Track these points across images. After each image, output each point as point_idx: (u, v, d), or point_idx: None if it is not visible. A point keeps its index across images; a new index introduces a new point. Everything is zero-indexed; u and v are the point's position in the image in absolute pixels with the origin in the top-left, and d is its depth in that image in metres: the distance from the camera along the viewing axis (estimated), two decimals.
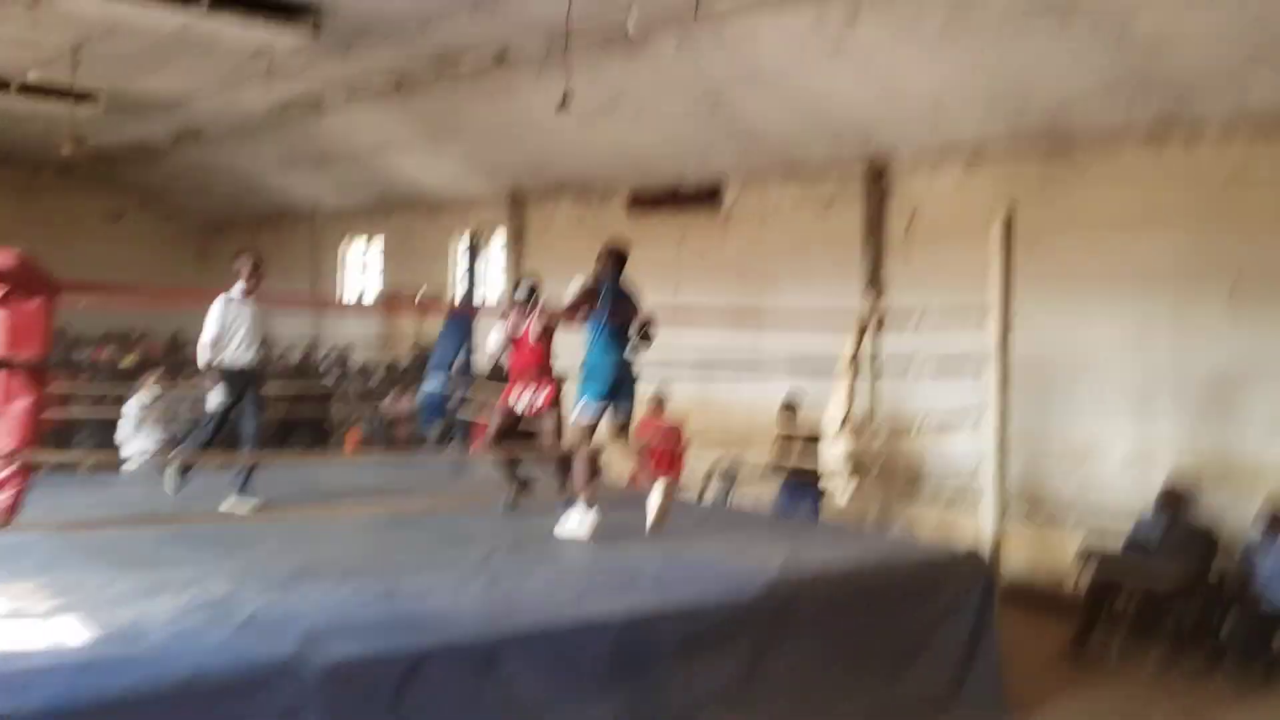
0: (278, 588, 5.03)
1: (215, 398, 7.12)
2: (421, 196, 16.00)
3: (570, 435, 6.57)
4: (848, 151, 10.45)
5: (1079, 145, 8.93)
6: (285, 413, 11.25)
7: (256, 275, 7.15)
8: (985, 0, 7.57)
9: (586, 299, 6.39)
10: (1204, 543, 7.85)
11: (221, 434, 7.17)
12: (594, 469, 6.48)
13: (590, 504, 6.30)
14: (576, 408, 6.47)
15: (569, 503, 6.55)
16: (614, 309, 6.43)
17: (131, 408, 9.80)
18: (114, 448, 9.62)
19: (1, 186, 19.83)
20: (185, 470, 7.07)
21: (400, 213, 16.84)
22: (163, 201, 21.30)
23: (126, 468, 9.14)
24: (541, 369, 7.03)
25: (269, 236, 19.84)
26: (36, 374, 4.14)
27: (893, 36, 8.42)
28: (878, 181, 10.52)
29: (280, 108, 13.60)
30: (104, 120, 13.98)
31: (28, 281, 4.06)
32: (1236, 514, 7.95)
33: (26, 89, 12.95)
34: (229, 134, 15.59)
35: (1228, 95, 7.81)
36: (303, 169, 16.85)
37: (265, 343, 7.44)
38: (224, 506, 6.86)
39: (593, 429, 6.47)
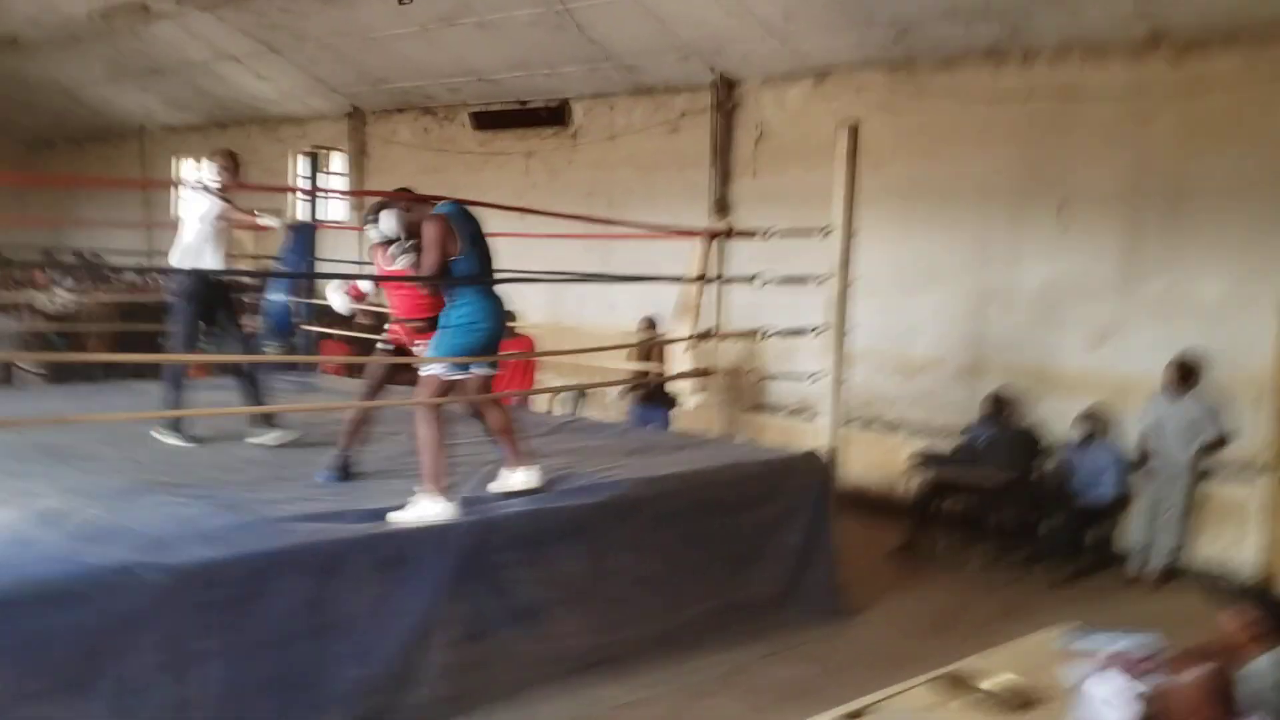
0: (116, 499, 4.90)
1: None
2: (258, 112, 15.39)
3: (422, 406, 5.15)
4: (696, 69, 10.44)
5: (921, 63, 9.11)
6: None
7: (235, 170, 6.60)
8: None
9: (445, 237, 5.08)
10: (1026, 446, 8.27)
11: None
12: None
13: (443, 492, 4.98)
14: (436, 368, 5.17)
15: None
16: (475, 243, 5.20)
17: None
18: None
19: None
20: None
21: (236, 129, 16.17)
22: None
23: None
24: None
25: (96, 153, 18.85)
26: None
27: None
28: (726, 100, 10.56)
29: (104, 14, 12.83)
30: None
31: None
32: (1058, 420, 8.38)
33: None
34: (48, 42, 14.65)
35: (1060, 17, 8.06)
36: (131, 82, 15.97)
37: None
38: (264, 439, 6.47)
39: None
